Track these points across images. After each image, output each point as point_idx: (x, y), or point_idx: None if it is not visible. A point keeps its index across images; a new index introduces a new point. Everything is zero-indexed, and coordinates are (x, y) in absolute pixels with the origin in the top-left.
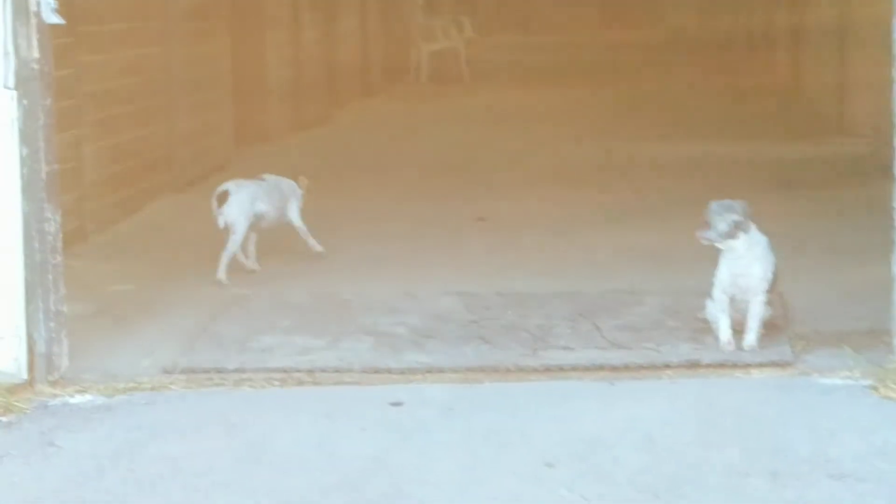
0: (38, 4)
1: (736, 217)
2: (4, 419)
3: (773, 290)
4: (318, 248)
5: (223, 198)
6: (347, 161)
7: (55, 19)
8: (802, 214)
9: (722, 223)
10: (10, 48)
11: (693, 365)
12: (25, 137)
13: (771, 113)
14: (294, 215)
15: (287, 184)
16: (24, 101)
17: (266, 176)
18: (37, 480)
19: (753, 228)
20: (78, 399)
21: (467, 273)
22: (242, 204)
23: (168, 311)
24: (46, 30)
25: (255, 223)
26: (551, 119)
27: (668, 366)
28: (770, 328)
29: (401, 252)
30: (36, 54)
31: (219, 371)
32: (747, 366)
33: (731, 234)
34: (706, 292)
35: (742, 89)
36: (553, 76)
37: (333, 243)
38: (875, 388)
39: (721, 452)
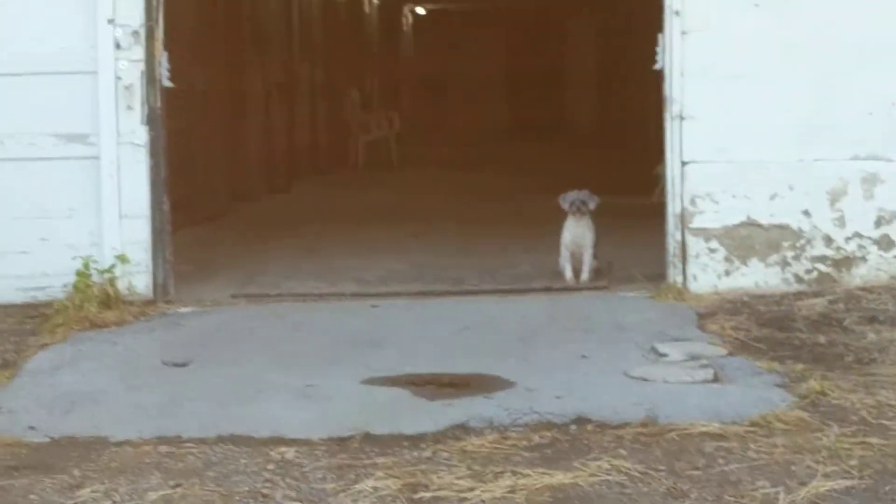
0: (161, 75)
1: (598, 200)
2: (144, 319)
3: (597, 248)
4: None
5: None
6: (310, 214)
7: (168, 84)
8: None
9: (592, 202)
10: (144, 101)
11: (548, 289)
12: (152, 153)
13: None
14: None
15: None
16: (152, 132)
17: None
18: (175, 336)
19: None
20: (183, 310)
21: (410, 259)
22: None
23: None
24: (164, 90)
25: None
26: (458, 189)
27: (533, 289)
28: (598, 274)
29: (370, 249)
30: (159, 104)
31: (266, 296)
32: (581, 289)
33: (589, 210)
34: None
35: None
36: (463, 163)
37: (330, 247)
38: (653, 297)
39: (559, 322)
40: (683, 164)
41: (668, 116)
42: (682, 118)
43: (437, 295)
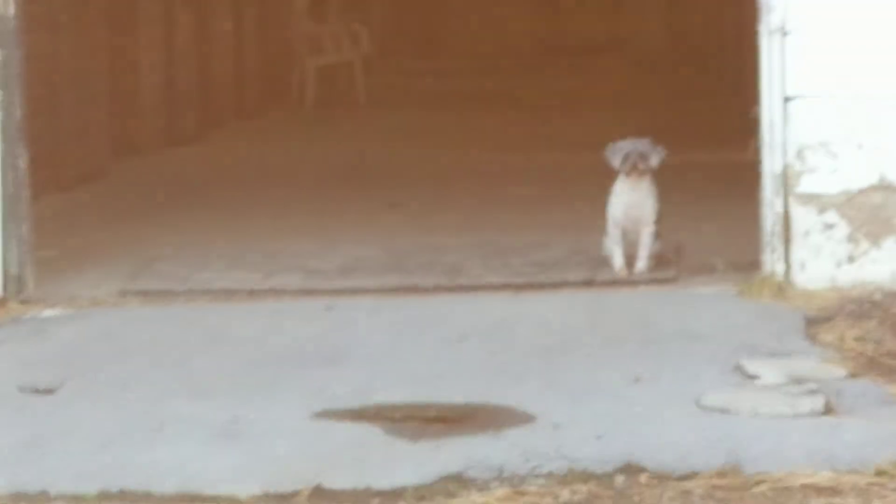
0: None
1: (664, 154)
2: None
3: (661, 224)
4: None
5: None
6: (232, 175)
7: None
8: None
9: (655, 156)
10: None
11: (588, 282)
12: (3, 83)
13: None
14: None
15: None
16: (2, 52)
17: None
18: (36, 352)
19: None
20: (48, 313)
21: (384, 240)
22: None
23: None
24: None
25: None
26: (458, 139)
27: (566, 284)
28: (661, 262)
29: (325, 226)
30: (12, 11)
31: (169, 292)
32: (636, 283)
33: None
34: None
35: None
36: (467, 101)
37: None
38: (741, 294)
39: (602, 329)
40: (787, 100)
41: (764, 30)
42: (784, 33)
43: (422, 292)
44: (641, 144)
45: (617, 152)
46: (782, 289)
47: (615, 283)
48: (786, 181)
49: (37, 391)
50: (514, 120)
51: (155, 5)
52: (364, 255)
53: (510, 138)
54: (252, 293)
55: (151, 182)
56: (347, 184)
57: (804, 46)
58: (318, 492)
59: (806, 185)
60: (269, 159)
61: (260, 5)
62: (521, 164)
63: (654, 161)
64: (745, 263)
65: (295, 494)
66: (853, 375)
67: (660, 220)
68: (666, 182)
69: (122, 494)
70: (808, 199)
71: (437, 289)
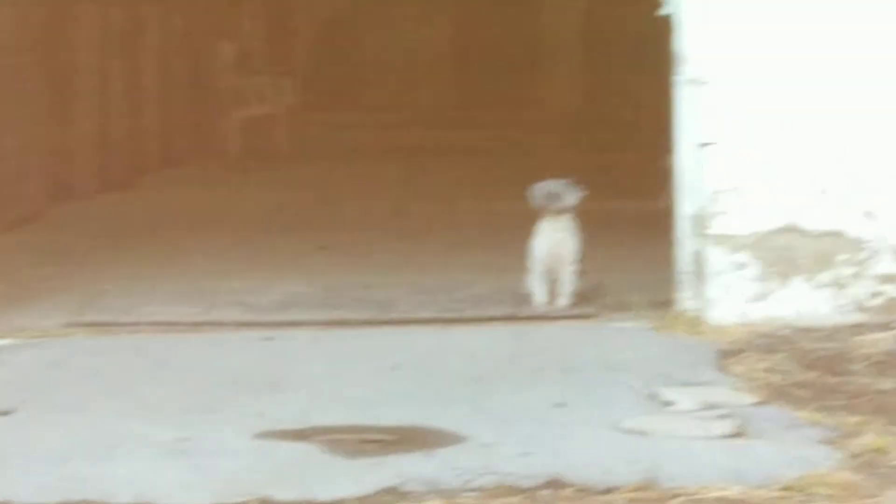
0: None
1: (581, 192)
2: None
3: (583, 263)
4: None
5: None
6: (165, 219)
7: None
8: None
9: (571, 195)
10: None
11: (512, 317)
12: None
13: None
14: None
15: None
16: None
17: None
18: None
19: None
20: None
21: (316, 279)
22: None
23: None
24: None
25: None
26: (383, 189)
27: (491, 318)
28: (581, 299)
29: (259, 266)
30: None
31: (115, 324)
32: (556, 318)
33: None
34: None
35: None
36: (391, 153)
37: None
38: (657, 329)
39: (526, 360)
40: (701, 146)
41: (680, 81)
42: (699, 83)
43: (354, 325)
44: (558, 185)
45: (536, 192)
46: (696, 324)
47: (538, 317)
48: (700, 223)
49: None
50: (434, 170)
51: (89, 55)
52: (298, 292)
53: (431, 187)
54: (194, 325)
55: (87, 225)
56: (275, 229)
57: (718, 96)
58: (266, 503)
59: (719, 226)
60: (198, 205)
61: (187, 57)
62: (443, 211)
63: (569, 200)
64: (661, 301)
65: None
66: (762, 403)
67: (581, 258)
68: (585, 228)
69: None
70: (721, 239)
71: (370, 322)
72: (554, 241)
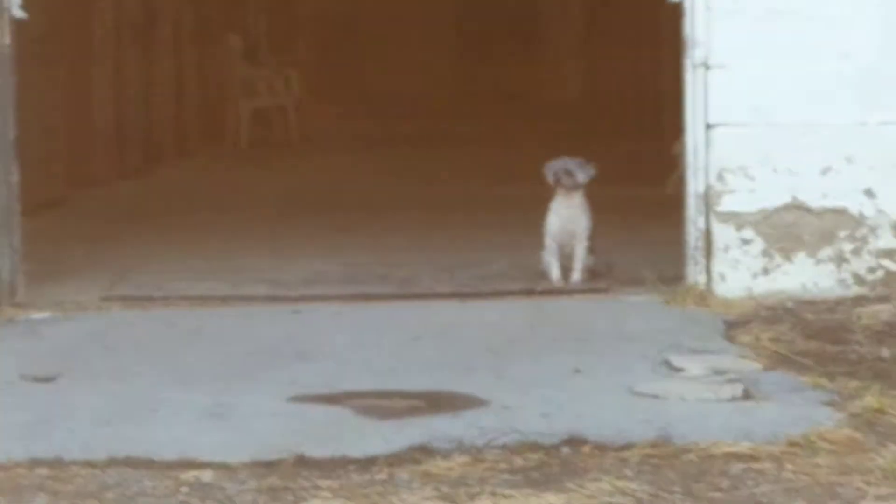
0: (10, 2)
1: (592, 171)
2: None
3: (594, 241)
4: None
5: None
6: (185, 204)
7: (21, 14)
8: None
9: (582, 173)
10: None
11: (529, 292)
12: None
13: None
14: None
15: None
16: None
17: None
18: (33, 348)
19: None
20: (39, 316)
21: (338, 258)
22: None
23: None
24: (14, 22)
25: None
26: (394, 175)
27: (509, 293)
28: (594, 275)
29: (282, 246)
30: (7, 41)
31: (149, 298)
32: (571, 292)
33: (582, 185)
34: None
35: None
36: (395, 141)
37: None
38: (667, 302)
39: (542, 331)
40: (709, 127)
41: (688, 65)
42: (707, 67)
43: (377, 299)
44: (570, 162)
45: (549, 169)
46: (704, 297)
47: (553, 292)
48: (708, 201)
49: (37, 379)
50: (442, 157)
51: (107, 45)
52: (322, 270)
53: (442, 173)
54: (224, 299)
55: (110, 209)
56: (293, 212)
57: (725, 79)
58: (301, 460)
59: (726, 204)
60: (215, 191)
61: (198, 49)
62: (456, 195)
63: (581, 178)
64: (671, 277)
65: (280, 462)
66: (767, 369)
67: (593, 235)
68: (595, 212)
69: (128, 461)
70: (728, 217)
71: (392, 297)
72: (567, 218)
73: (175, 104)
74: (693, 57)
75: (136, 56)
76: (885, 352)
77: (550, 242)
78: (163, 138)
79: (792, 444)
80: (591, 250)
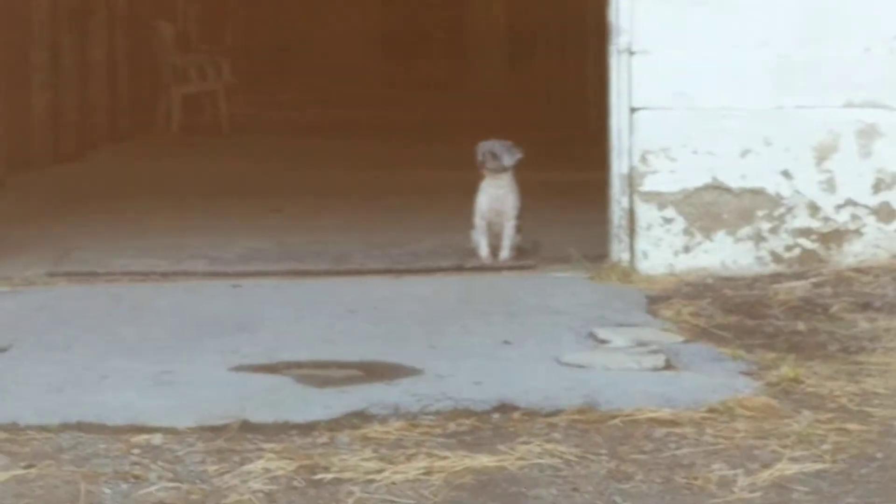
0: None
1: (519, 154)
2: None
3: (521, 220)
4: None
5: None
6: (121, 187)
7: None
8: None
9: (508, 156)
10: None
11: (458, 268)
12: None
13: None
14: None
15: None
16: None
17: None
18: None
19: None
20: None
21: (273, 237)
22: None
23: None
24: None
25: None
26: (324, 159)
27: (440, 269)
28: (521, 253)
29: (218, 226)
30: None
31: (93, 274)
32: (500, 268)
33: (509, 168)
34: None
35: None
36: (325, 128)
37: (162, 222)
38: (592, 279)
39: (472, 305)
40: (632, 111)
41: (613, 51)
42: (631, 53)
43: (314, 275)
44: (497, 145)
45: (480, 150)
46: (627, 274)
47: (482, 269)
48: (631, 181)
49: None
50: (368, 145)
51: (44, 30)
52: (259, 248)
53: (368, 159)
54: (165, 275)
55: (48, 192)
56: (226, 195)
57: (648, 65)
58: (246, 425)
59: (649, 184)
60: (150, 174)
61: (130, 35)
62: (385, 180)
63: (507, 160)
64: (595, 255)
65: (226, 426)
66: (688, 341)
67: (521, 215)
68: (524, 194)
69: (80, 425)
70: (651, 196)
71: (328, 273)
72: (495, 198)
73: (109, 90)
74: (618, 43)
75: (72, 42)
76: (801, 325)
77: (480, 221)
78: (98, 124)
79: (712, 410)
80: (519, 229)
